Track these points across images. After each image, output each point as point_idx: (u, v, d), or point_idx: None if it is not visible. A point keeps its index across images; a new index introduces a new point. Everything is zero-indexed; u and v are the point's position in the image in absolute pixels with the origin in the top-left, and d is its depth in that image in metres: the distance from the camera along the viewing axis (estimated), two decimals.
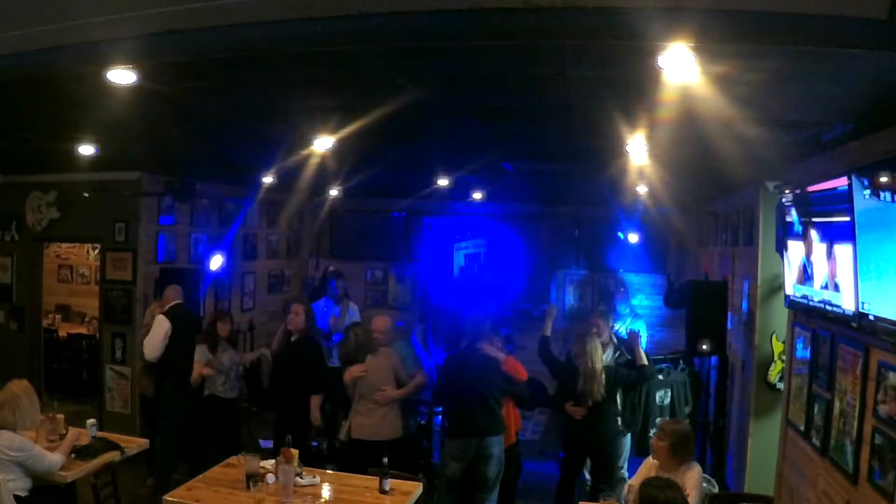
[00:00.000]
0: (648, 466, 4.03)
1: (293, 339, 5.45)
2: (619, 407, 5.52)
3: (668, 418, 6.05)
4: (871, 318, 2.88)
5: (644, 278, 9.17)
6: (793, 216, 3.88)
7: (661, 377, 6.13)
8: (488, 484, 5.12)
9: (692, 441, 3.94)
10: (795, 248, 3.88)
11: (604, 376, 5.23)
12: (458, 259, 9.81)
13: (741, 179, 5.60)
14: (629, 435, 5.70)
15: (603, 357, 5.47)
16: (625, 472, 5.65)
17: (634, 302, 8.76)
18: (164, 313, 5.98)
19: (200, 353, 5.65)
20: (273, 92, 3.40)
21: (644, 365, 5.38)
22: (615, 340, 5.64)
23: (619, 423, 5.52)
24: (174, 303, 6.03)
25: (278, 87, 3.27)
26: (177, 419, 5.80)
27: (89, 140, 4.98)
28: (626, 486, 4.19)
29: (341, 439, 5.25)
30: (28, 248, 7.36)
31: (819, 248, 3.50)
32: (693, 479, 3.70)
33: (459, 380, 5.12)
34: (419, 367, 5.61)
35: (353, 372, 5.06)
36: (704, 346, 5.86)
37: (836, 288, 3.28)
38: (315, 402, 5.33)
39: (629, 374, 5.41)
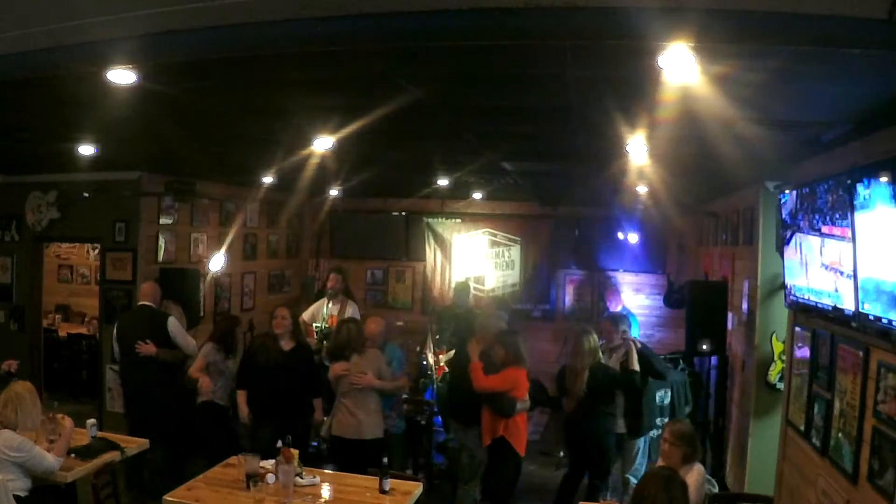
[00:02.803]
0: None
1: (287, 347, 5.39)
2: (619, 407, 5.49)
3: (667, 419, 6.05)
4: (870, 318, 2.88)
5: (644, 278, 9.17)
6: (792, 215, 3.88)
7: None
8: (461, 471, 5.45)
9: (697, 439, 3.99)
10: (795, 248, 3.88)
11: (587, 373, 5.28)
12: (458, 259, 9.79)
13: (741, 179, 5.60)
14: (640, 440, 5.63)
15: (609, 361, 5.50)
16: (635, 475, 5.57)
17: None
18: (120, 315, 6.08)
19: (207, 351, 5.60)
20: (273, 92, 3.40)
21: (632, 370, 5.35)
22: (632, 345, 5.49)
23: (619, 424, 5.50)
24: (140, 303, 5.96)
25: (278, 87, 3.27)
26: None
27: (89, 140, 4.99)
28: (631, 489, 4.19)
29: (322, 436, 5.29)
30: (28, 248, 7.36)
31: (819, 247, 3.50)
32: (694, 479, 3.69)
33: (453, 373, 5.69)
34: (404, 372, 5.69)
35: (335, 370, 5.07)
36: (704, 346, 5.87)
37: (836, 288, 3.28)
38: (318, 404, 5.42)
39: (615, 375, 5.41)
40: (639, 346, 5.47)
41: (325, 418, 5.26)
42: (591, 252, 9.29)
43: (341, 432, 5.02)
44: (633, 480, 5.50)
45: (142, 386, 5.72)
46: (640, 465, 5.67)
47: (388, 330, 5.82)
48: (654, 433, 5.96)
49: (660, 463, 3.98)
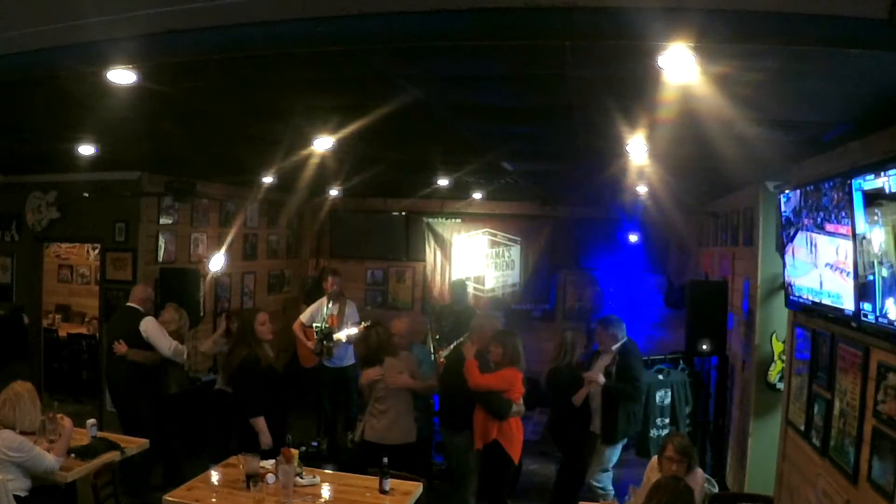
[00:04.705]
0: (654, 475, 4.01)
1: (276, 354, 5.46)
2: (598, 408, 5.46)
3: (668, 419, 6.06)
4: (870, 318, 2.88)
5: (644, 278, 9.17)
6: (796, 213, 3.88)
7: (660, 377, 6.13)
8: (454, 475, 5.41)
9: (694, 447, 4.03)
10: (798, 247, 3.88)
11: (549, 372, 5.47)
12: (458, 259, 9.79)
13: (741, 179, 5.60)
14: (612, 452, 5.43)
15: (595, 364, 5.52)
16: (599, 481, 5.43)
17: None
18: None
19: (219, 340, 6.17)
20: (273, 92, 3.40)
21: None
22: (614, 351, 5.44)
23: (595, 424, 5.45)
24: (126, 304, 5.94)
25: (278, 87, 3.27)
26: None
27: (89, 140, 4.98)
28: (629, 488, 4.20)
29: (354, 440, 5.24)
30: (28, 248, 7.36)
31: (822, 246, 3.50)
32: (698, 484, 3.73)
33: (444, 377, 5.56)
34: (434, 372, 5.64)
35: (369, 375, 5.03)
36: (704, 346, 5.87)
37: (837, 287, 3.29)
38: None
39: (573, 379, 5.45)
40: (601, 382, 5.35)
41: (358, 422, 5.24)
42: (590, 252, 9.29)
43: (373, 437, 4.99)
44: (597, 486, 5.34)
45: (116, 384, 5.80)
46: (606, 478, 5.43)
47: (415, 330, 5.78)
48: (653, 433, 5.97)
49: (658, 469, 3.97)
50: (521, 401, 5.07)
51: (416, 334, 6.26)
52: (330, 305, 7.21)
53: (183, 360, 5.82)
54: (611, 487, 5.38)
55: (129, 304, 5.89)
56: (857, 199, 2.88)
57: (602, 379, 5.31)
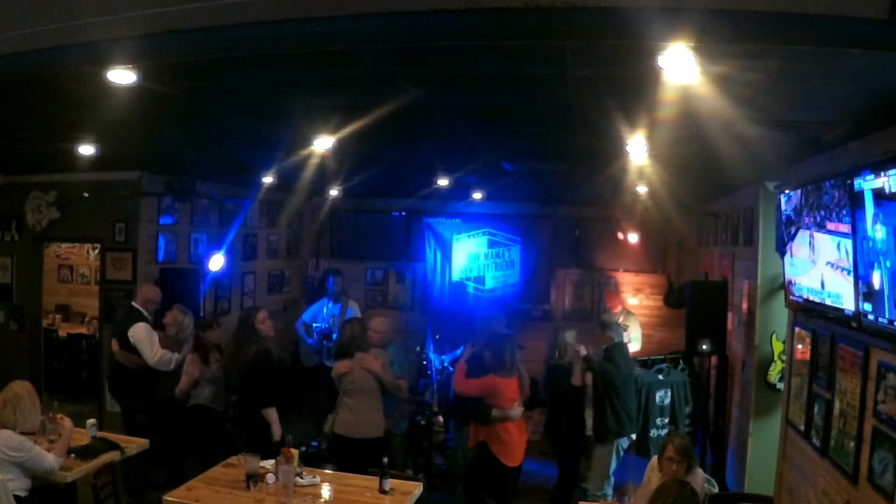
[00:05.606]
0: (654, 475, 4.01)
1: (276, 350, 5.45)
2: (591, 409, 5.46)
3: (667, 419, 6.06)
4: (870, 317, 2.88)
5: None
6: (797, 211, 3.88)
7: (660, 377, 6.13)
8: (458, 471, 5.59)
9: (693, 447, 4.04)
10: (798, 245, 3.88)
11: (544, 372, 5.55)
12: (458, 259, 9.79)
13: (741, 179, 5.60)
14: (612, 457, 5.37)
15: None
16: (601, 489, 5.37)
17: None
18: None
19: (192, 363, 5.23)
20: (273, 92, 3.40)
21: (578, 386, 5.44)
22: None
23: (588, 426, 5.45)
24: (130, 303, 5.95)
25: (278, 87, 3.27)
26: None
27: (89, 140, 4.98)
28: (629, 487, 4.20)
29: (325, 432, 5.31)
30: (28, 248, 7.36)
31: (822, 244, 3.50)
32: (698, 484, 3.73)
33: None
34: (405, 372, 5.67)
35: (338, 368, 5.08)
36: (704, 346, 5.87)
37: (837, 287, 3.29)
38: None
39: (567, 375, 5.47)
40: (583, 353, 5.40)
41: (329, 415, 5.27)
42: (590, 252, 9.30)
43: (343, 431, 5.02)
44: (600, 495, 5.25)
45: (112, 382, 5.90)
46: (609, 486, 5.37)
47: (394, 329, 5.75)
48: (653, 433, 5.98)
49: (659, 470, 3.96)
50: (516, 406, 5.04)
51: (397, 333, 6.24)
52: (330, 305, 7.26)
53: (169, 369, 5.56)
54: (611, 492, 5.37)
55: (132, 303, 5.91)
56: (868, 197, 2.86)
57: (584, 350, 5.38)
